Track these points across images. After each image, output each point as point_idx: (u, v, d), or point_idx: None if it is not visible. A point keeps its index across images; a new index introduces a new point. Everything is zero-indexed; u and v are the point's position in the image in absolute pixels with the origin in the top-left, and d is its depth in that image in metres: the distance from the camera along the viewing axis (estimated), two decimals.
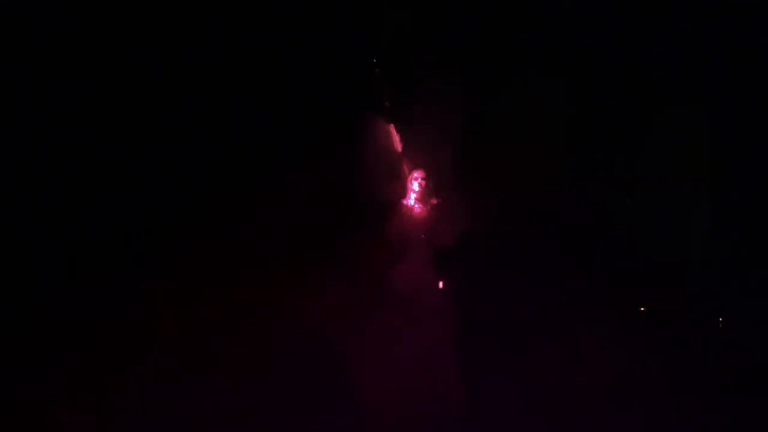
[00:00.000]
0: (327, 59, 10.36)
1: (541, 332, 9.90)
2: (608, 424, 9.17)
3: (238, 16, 10.12)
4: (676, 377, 9.33)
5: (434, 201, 10.76)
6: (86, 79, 9.73)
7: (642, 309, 9.85)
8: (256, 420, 9.70)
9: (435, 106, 10.56)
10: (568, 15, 9.88)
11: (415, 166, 10.87)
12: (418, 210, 10.75)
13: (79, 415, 9.37)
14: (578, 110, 10.17)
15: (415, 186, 10.78)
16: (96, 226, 9.95)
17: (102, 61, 9.75)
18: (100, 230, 9.97)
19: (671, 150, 9.97)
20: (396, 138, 10.89)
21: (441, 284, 10.43)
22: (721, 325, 9.51)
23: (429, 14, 10.22)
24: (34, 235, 9.70)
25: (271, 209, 10.29)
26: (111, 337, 9.72)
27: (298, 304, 10.00)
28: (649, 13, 9.65)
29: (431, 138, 10.75)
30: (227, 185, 10.36)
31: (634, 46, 9.79)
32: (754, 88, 9.54)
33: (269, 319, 9.95)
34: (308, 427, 9.66)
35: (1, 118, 9.60)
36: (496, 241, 10.22)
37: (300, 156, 10.48)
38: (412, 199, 10.80)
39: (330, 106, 10.50)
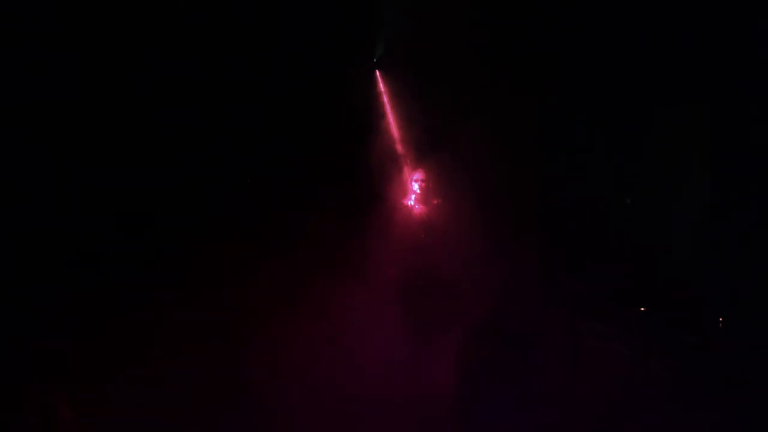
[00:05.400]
0: (326, 60, 10.38)
1: (541, 332, 9.89)
2: (608, 423, 9.15)
3: (239, 16, 10.16)
4: (676, 377, 9.31)
5: (434, 201, 10.76)
6: (82, 77, 9.78)
7: (642, 309, 9.84)
8: (258, 421, 9.69)
9: (436, 106, 10.57)
10: (568, 14, 9.89)
11: (415, 167, 10.87)
12: (419, 210, 10.75)
13: (78, 414, 9.38)
14: (579, 110, 10.17)
15: (416, 187, 10.78)
16: (95, 226, 10.01)
17: (98, 59, 9.80)
18: (98, 230, 10.03)
19: (671, 149, 9.97)
20: (396, 138, 10.90)
21: (440, 284, 10.43)
22: (721, 325, 9.49)
23: (430, 14, 10.22)
24: (33, 235, 9.75)
25: (270, 210, 10.32)
26: (111, 337, 9.75)
27: (297, 304, 10.03)
28: (648, 11, 9.66)
29: (432, 139, 10.75)
30: (226, 186, 10.40)
31: (633, 45, 9.79)
32: (754, 87, 9.51)
33: (268, 318, 9.99)
34: (309, 427, 9.66)
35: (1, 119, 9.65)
36: (496, 241, 10.20)
37: (299, 157, 10.51)
38: (412, 200, 10.79)
39: (329, 107, 10.52)
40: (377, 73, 10.79)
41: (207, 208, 10.33)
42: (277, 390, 9.73)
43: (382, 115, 10.89)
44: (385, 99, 10.86)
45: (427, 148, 10.77)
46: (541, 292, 10.02)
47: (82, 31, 9.72)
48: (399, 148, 10.87)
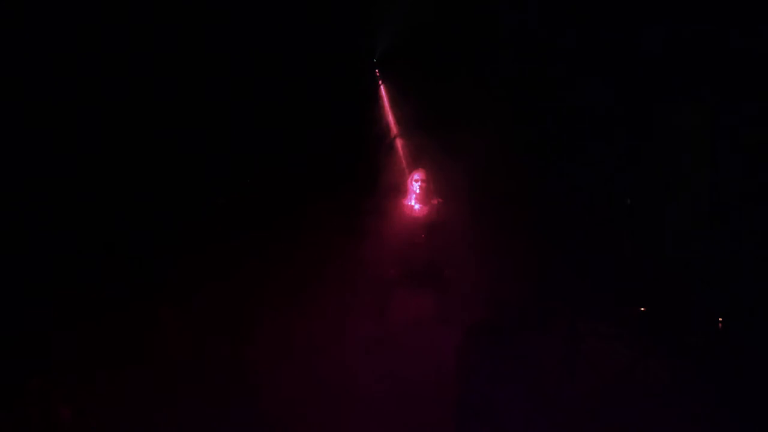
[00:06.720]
0: (326, 60, 10.39)
1: (541, 332, 9.89)
2: (608, 423, 9.14)
3: (239, 16, 10.16)
4: (676, 377, 9.31)
5: (435, 201, 10.75)
6: (82, 77, 9.79)
7: (642, 309, 9.84)
8: (258, 420, 9.68)
9: (436, 105, 10.58)
10: (568, 14, 9.90)
11: (415, 167, 10.87)
12: (419, 210, 10.74)
13: (78, 414, 9.36)
14: (579, 109, 10.18)
15: (415, 187, 10.77)
16: (94, 226, 10.02)
17: (98, 59, 9.81)
18: (98, 229, 10.04)
19: (671, 149, 9.99)
20: (396, 138, 10.90)
21: (441, 284, 10.44)
22: (721, 325, 9.48)
23: (429, 14, 10.23)
24: (33, 235, 9.75)
25: (270, 210, 10.33)
26: (111, 337, 9.75)
27: (298, 304, 10.04)
28: (649, 11, 9.66)
29: (433, 138, 10.76)
30: (225, 186, 10.41)
31: (633, 45, 9.80)
32: (754, 87, 9.51)
33: (267, 320, 9.99)
34: (310, 426, 9.64)
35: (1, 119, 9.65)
36: (496, 241, 10.21)
37: (299, 157, 10.52)
38: (412, 200, 10.79)
39: (329, 107, 10.52)
40: (377, 73, 10.80)
41: (207, 208, 10.34)
42: (278, 390, 9.72)
43: (382, 115, 10.90)
44: (385, 99, 10.87)
45: (428, 147, 10.77)
46: (541, 291, 10.02)
47: (82, 31, 9.73)
48: (399, 147, 10.88)
